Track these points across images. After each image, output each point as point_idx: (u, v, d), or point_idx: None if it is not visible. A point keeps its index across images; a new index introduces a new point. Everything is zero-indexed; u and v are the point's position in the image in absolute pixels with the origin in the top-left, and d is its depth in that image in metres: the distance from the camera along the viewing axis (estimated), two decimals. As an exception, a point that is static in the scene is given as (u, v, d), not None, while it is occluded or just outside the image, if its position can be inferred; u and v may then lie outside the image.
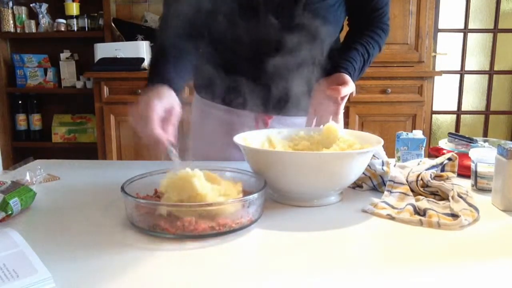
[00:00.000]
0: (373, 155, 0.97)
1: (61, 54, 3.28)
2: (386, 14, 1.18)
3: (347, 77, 1.04)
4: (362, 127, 2.86)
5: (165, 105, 0.87)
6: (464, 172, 1.03)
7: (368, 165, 0.94)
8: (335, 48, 1.17)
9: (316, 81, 1.07)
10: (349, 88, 1.02)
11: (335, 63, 1.08)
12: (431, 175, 0.91)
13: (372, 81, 2.80)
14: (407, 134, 1.13)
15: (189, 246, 0.69)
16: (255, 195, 0.74)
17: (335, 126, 0.98)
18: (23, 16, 3.26)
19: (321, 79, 1.06)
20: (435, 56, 3.32)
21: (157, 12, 3.20)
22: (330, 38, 1.14)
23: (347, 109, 2.86)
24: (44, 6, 3.20)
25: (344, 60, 1.09)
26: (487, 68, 3.42)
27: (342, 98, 1.03)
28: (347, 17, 1.19)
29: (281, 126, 1.15)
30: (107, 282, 0.58)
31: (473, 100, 3.49)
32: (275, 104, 1.13)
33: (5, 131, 3.33)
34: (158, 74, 0.97)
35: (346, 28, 1.22)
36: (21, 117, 3.35)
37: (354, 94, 1.07)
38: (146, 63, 2.97)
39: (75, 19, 3.21)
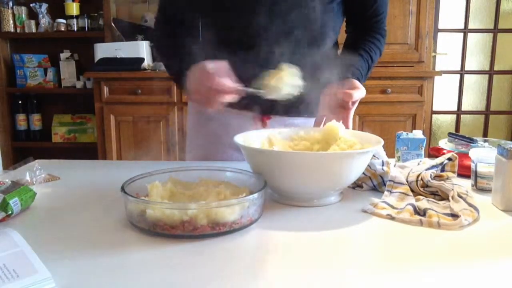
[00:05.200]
0: (373, 155, 0.97)
1: (61, 54, 3.29)
2: (384, 20, 1.19)
3: (358, 83, 1.04)
4: (362, 127, 2.86)
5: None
6: (464, 172, 1.03)
7: (368, 165, 0.94)
8: (334, 50, 1.17)
9: (316, 81, 1.07)
10: (360, 92, 1.02)
11: (344, 71, 1.08)
12: (431, 175, 0.91)
13: (372, 81, 2.80)
14: (407, 134, 1.13)
15: (189, 246, 0.69)
16: (255, 195, 0.74)
17: (336, 125, 0.98)
18: (23, 16, 3.26)
19: (330, 85, 1.06)
20: (435, 56, 3.32)
21: (157, 12, 3.20)
22: (328, 39, 1.14)
23: (347, 109, 2.86)
24: (44, 6, 3.21)
25: (352, 68, 1.09)
26: (487, 68, 3.42)
27: (353, 103, 1.04)
28: (345, 23, 1.19)
29: (280, 126, 1.15)
30: (107, 282, 0.58)
31: (473, 100, 3.49)
32: (273, 104, 1.13)
33: (5, 131, 3.33)
34: (192, 57, 1.01)
35: (342, 33, 1.22)
36: (21, 117, 3.35)
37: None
38: (146, 63, 2.97)
39: (75, 19, 3.21)
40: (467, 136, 1.17)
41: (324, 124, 1.07)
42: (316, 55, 1.08)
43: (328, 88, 1.06)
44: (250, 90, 0.94)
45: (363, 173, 0.94)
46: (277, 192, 0.90)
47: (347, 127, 1.03)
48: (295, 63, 1.04)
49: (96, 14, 3.24)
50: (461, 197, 0.84)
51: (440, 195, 0.89)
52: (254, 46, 1.06)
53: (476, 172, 0.96)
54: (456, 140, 1.18)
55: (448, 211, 0.81)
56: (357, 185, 0.97)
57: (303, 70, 1.05)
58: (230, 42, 1.08)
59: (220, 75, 0.91)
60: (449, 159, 0.98)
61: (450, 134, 1.20)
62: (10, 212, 0.78)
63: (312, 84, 1.06)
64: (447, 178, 0.94)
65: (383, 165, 0.95)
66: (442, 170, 0.98)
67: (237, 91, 0.93)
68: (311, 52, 1.08)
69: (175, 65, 1.08)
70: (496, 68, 3.39)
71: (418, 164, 0.99)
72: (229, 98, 0.93)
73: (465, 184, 0.94)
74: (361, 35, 1.18)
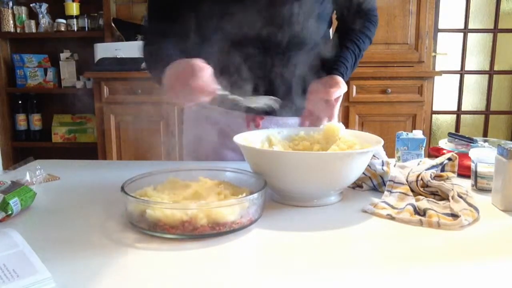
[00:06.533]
0: (373, 155, 0.97)
1: (61, 54, 3.28)
2: (373, 4, 1.17)
3: (339, 79, 1.04)
4: (362, 127, 2.86)
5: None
6: (464, 172, 1.03)
7: (368, 165, 0.94)
8: (326, 44, 1.17)
9: (307, 80, 1.07)
10: (341, 89, 1.03)
11: (327, 64, 1.08)
12: (431, 175, 0.91)
13: (372, 81, 2.80)
14: (407, 134, 1.13)
15: (189, 246, 0.69)
16: (255, 195, 0.74)
17: (337, 125, 0.98)
18: (23, 16, 3.26)
19: (314, 82, 1.06)
20: (435, 56, 3.32)
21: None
22: (319, 33, 1.13)
23: (347, 109, 2.86)
24: (44, 6, 3.21)
25: (336, 61, 1.09)
26: (487, 68, 3.42)
27: (336, 100, 1.04)
28: (334, 11, 1.19)
29: (273, 126, 1.15)
30: (107, 283, 0.58)
31: (473, 100, 3.49)
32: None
33: (5, 131, 3.33)
34: (174, 53, 0.98)
35: (334, 23, 1.22)
36: (21, 117, 3.35)
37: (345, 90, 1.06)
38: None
39: (75, 19, 3.21)
40: (467, 136, 1.17)
41: (311, 122, 1.07)
42: (305, 51, 1.08)
43: (312, 85, 1.06)
44: (230, 96, 0.92)
45: (363, 173, 0.94)
46: (277, 192, 0.90)
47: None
48: (284, 59, 1.03)
49: (96, 14, 3.24)
50: (461, 197, 0.84)
51: (440, 195, 0.89)
52: (243, 38, 1.05)
53: (476, 172, 0.96)
54: (456, 140, 1.18)
55: (448, 211, 0.81)
56: (357, 185, 0.97)
57: (292, 66, 1.04)
58: (220, 32, 1.07)
59: (203, 74, 0.88)
60: (449, 159, 0.98)
61: (450, 134, 1.20)
62: (10, 212, 0.78)
63: (300, 81, 1.06)
64: (447, 178, 0.94)
65: (383, 165, 0.95)
66: (442, 170, 0.98)
67: (216, 94, 0.90)
68: (299, 42, 1.08)
69: (160, 62, 1.01)
70: (496, 68, 3.39)
71: (418, 164, 0.99)
72: (207, 99, 0.90)
73: (465, 184, 0.94)
74: (350, 23, 1.16)
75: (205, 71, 0.88)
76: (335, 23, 1.21)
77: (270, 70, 1.06)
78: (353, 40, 1.13)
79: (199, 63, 0.89)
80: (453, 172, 0.97)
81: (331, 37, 1.21)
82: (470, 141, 1.15)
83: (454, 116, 3.50)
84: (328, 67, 1.07)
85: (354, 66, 1.14)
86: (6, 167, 1.15)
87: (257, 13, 1.02)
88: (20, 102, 3.35)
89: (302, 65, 1.09)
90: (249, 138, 0.97)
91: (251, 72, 1.05)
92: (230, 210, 0.71)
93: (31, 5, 3.21)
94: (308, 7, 1.06)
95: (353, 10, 1.16)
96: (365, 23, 1.16)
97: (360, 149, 0.89)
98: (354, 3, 1.15)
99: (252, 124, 1.18)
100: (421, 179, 0.91)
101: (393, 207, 0.83)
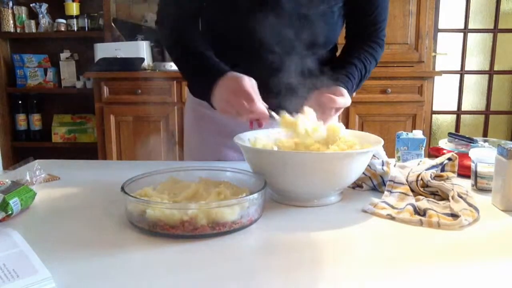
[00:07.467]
0: (373, 155, 0.97)
1: (61, 54, 3.29)
2: (383, 30, 1.18)
3: (345, 91, 1.04)
4: (362, 127, 2.86)
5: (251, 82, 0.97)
6: (464, 172, 1.03)
7: (368, 165, 0.94)
8: (332, 55, 1.17)
9: (310, 82, 1.07)
10: (345, 101, 1.02)
11: (335, 78, 1.07)
12: (431, 175, 0.91)
13: (372, 81, 2.80)
14: (407, 134, 1.13)
15: (189, 246, 0.69)
16: (255, 195, 0.74)
17: (337, 125, 0.98)
18: (23, 16, 3.26)
19: (319, 89, 1.06)
20: (435, 56, 3.32)
21: (157, 12, 3.20)
22: (328, 42, 1.14)
23: (347, 109, 2.86)
24: (44, 6, 3.21)
25: (343, 76, 1.09)
26: (487, 68, 3.42)
27: (336, 110, 1.04)
28: (345, 29, 1.19)
29: (275, 126, 1.15)
30: (107, 282, 0.58)
31: (473, 100, 3.49)
32: (269, 104, 1.13)
33: (5, 131, 3.33)
34: (217, 65, 1.03)
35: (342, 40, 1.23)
36: (21, 117, 3.35)
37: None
38: (146, 63, 2.97)
39: (75, 19, 3.22)
40: (467, 136, 1.17)
41: None
42: (313, 59, 1.08)
43: (316, 91, 1.06)
44: (276, 117, 0.96)
45: (363, 173, 0.94)
46: (277, 192, 0.90)
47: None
48: (293, 66, 1.04)
49: (96, 14, 3.25)
50: (461, 197, 0.84)
51: (440, 195, 0.89)
52: (254, 48, 1.06)
53: (476, 172, 0.96)
54: (456, 140, 1.18)
55: (448, 211, 0.81)
56: (357, 185, 0.97)
57: (300, 72, 1.04)
58: (231, 45, 1.08)
59: (257, 97, 0.94)
60: (449, 159, 0.98)
61: (450, 134, 1.20)
62: (10, 212, 0.78)
63: (304, 83, 1.06)
64: (447, 178, 0.94)
65: (383, 165, 0.95)
66: (442, 170, 0.98)
67: (268, 116, 0.96)
68: (309, 55, 1.08)
69: (204, 68, 1.06)
70: (496, 68, 3.39)
71: (418, 164, 0.99)
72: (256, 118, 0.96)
73: (465, 184, 0.94)
74: (359, 43, 1.17)
75: (257, 94, 0.95)
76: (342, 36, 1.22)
77: (273, 71, 1.06)
78: (361, 59, 1.14)
79: (251, 84, 0.95)
80: (453, 172, 0.97)
81: (337, 51, 1.22)
82: (470, 141, 1.15)
83: (454, 116, 3.50)
84: (335, 80, 1.07)
85: (358, 85, 1.15)
86: (6, 167, 1.15)
87: (272, 23, 1.03)
88: (20, 102, 3.35)
89: (307, 68, 1.08)
90: (250, 138, 0.97)
91: (253, 73, 1.05)
92: (230, 210, 0.71)
93: (31, 5, 3.21)
94: (321, 18, 1.06)
95: (363, 32, 1.17)
96: (373, 45, 1.17)
97: (360, 149, 0.89)
98: (365, 25, 1.16)
99: (255, 123, 1.18)
100: (421, 179, 0.91)
101: (393, 207, 0.83)
